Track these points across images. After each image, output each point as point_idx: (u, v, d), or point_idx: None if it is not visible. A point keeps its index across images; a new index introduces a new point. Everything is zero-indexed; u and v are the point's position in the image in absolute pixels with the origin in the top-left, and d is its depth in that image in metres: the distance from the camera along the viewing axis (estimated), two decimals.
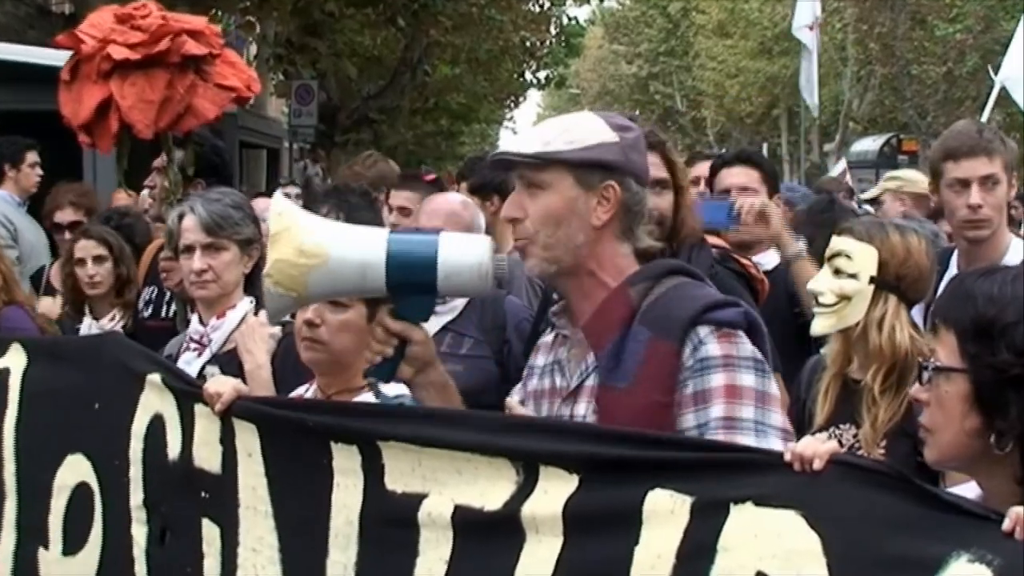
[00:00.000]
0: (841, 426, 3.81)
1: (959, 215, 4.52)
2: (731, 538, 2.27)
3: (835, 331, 3.86)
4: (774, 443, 2.67)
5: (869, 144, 34.79)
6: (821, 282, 3.88)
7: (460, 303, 4.66)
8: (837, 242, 3.88)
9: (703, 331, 2.77)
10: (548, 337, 3.08)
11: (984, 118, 11.34)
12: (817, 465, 2.24)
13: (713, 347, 2.76)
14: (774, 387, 2.82)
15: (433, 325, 4.49)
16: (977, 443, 2.30)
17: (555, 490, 2.53)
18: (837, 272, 3.84)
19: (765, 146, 48.33)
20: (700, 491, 2.35)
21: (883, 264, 3.79)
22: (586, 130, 2.88)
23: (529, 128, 2.97)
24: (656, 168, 3.85)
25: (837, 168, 18.38)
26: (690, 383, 2.75)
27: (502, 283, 3.03)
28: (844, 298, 3.80)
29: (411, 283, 2.88)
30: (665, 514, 2.36)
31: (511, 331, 4.66)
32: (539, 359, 3.09)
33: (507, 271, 2.95)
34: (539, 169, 2.86)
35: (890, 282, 3.80)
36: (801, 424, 3.87)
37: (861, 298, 3.79)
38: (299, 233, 2.88)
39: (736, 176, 5.28)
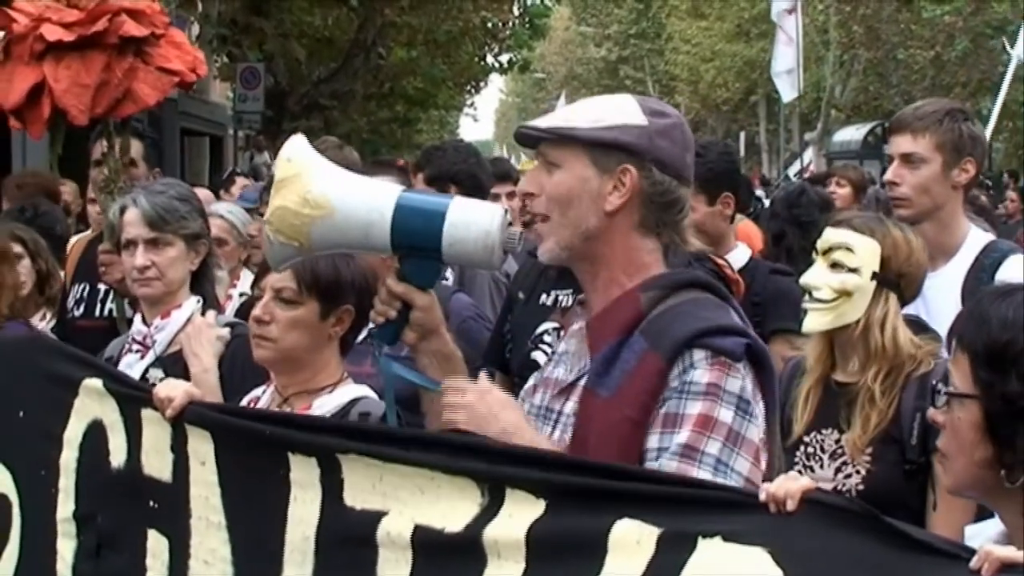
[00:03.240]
0: (823, 431, 3.83)
1: None
2: (694, 572, 2.30)
3: (829, 329, 3.84)
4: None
5: (852, 133, 35.01)
6: (816, 276, 3.86)
7: None
8: (835, 234, 3.87)
9: (697, 355, 2.73)
10: (576, 324, 3.05)
11: (1000, 98, 11.37)
12: (790, 506, 2.26)
13: (701, 373, 2.72)
14: (754, 433, 2.75)
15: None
16: (988, 474, 2.29)
17: (520, 514, 2.55)
18: (835, 266, 3.83)
19: (743, 135, 48.61)
20: (669, 523, 2.37)
21: (886, 260, 3.79)
22: (611, 110, 2.88)
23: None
24: None
25: (806, 158, 18.48)
26: (667, 404, 2.73)
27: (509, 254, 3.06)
28: (844, 294, 3.79)
29: (416, 246, 2.92)
30: (631, 544, 2.39)
31: (453, 332, 4.65)
32: (561, 345, 3.09)
33: (517, 244, 2.96)
34: (556, 145, 2.87)
35: (892, 279, 3.81)
36: (780, 431, 3.91)
37: (862, 295, 3.79)
38: (307, 182, 2.93)
39: None
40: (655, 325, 2.78)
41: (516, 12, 31.52)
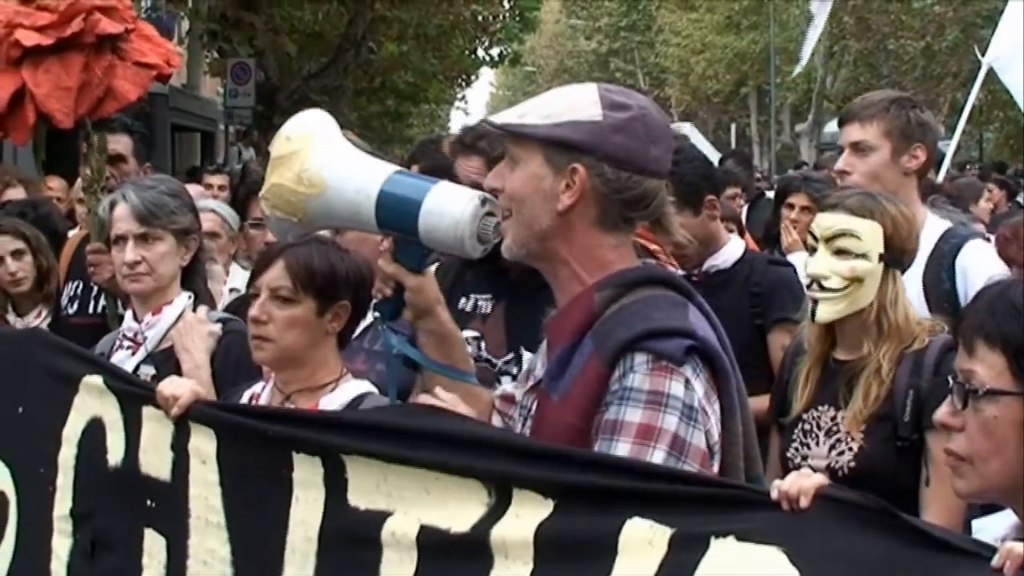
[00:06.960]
0: (820, 408, 3.82)
1: None
2: (708, 573, 2.27)
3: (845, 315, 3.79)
4: None
5: None
6: (824, 265, 3.79)
7: None
8: (833, 220, 3.81)
9: (638, 358, 2.63)
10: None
11: (971, 99, 11.47)
12: (804, 503, 2.22)
13: (641, 378, 2.62)
14: (700, 439, 2.64)
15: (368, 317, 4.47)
16: None
17: (528, 514, 2.53)
18: (840, 253, 3.77)
19: (733, 126, 48.63)
20: (681, 523, 2.34)
21: (890, 239, 3.76)
22: (567, 104, 2.78)
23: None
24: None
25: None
26: (609, 409, 2.64)
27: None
28: (855, 280, 3.75)
29: (399, 229, 2.94)
30: (642, 544, 2.36)
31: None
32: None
33: (493, 235, 2.87)
34: (514, 142, 2.82)
35: (897, 257, 3.80)
36: (781, 410, 3.92)
37: (872, 279, 3.75)
38: (304, 159, 2.99)
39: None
40: (604, 327, 2.70)
41: (506, 5, 31.47)
